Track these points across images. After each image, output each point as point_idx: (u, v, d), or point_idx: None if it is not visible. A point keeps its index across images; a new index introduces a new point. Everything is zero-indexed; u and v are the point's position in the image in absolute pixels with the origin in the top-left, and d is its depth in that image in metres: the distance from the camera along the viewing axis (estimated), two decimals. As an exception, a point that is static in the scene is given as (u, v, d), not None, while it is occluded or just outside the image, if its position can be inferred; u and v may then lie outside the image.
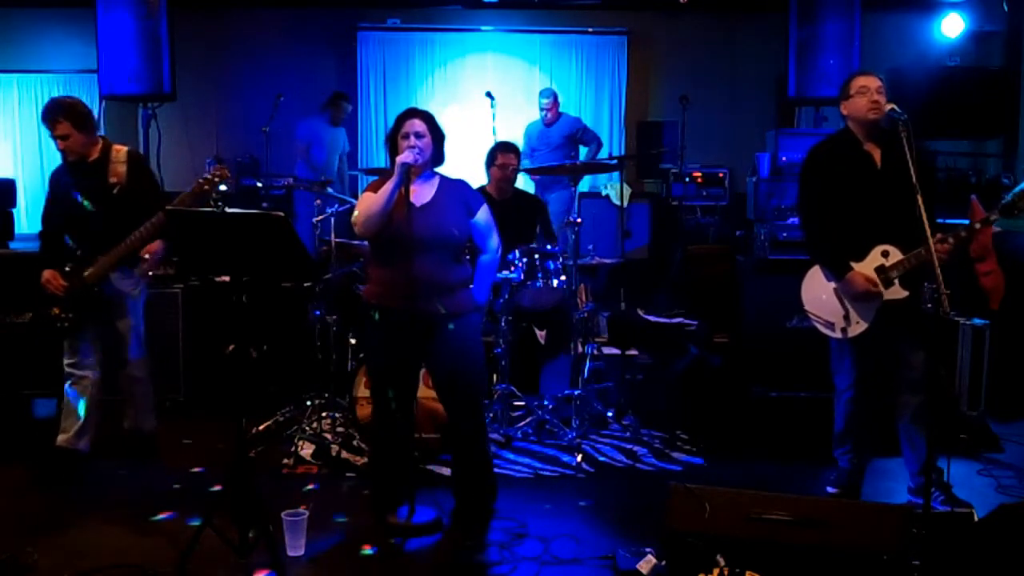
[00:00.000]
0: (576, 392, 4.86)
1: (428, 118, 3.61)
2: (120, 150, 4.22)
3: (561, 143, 7.57)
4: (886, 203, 3.63)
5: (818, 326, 3.83)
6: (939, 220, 3.67)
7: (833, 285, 3.76)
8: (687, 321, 6.45)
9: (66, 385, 4.24)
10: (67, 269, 4.16)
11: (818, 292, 3.82)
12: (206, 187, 3.93)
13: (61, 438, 4.20)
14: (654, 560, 3.21)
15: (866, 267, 3.69)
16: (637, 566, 3.22)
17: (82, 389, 4.22)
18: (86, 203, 4.13)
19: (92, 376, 4.23)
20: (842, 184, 3.72)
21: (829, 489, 4.02)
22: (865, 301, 3.67)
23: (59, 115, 4.04)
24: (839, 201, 3.72)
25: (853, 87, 3.73)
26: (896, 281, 3.63)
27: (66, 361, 4.23)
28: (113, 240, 4.10)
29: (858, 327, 3.70)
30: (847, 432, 3.95)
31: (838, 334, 3.76)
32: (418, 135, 3.54)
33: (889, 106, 3.59)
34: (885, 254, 3.65)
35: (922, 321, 3.68)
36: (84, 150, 4.14)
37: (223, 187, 3.92)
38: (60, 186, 4.22)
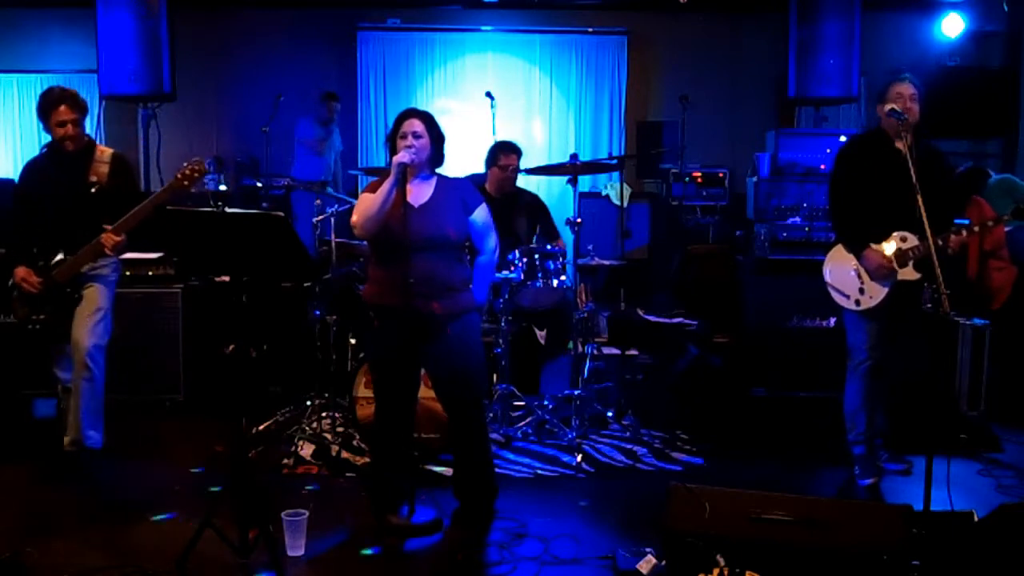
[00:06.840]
0: (576, 392, 4.86)
1: (427, 118, 3.61)
2: (104, 151, 4.17)
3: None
4: (911, 196, 3.71)
5: (835, 295, 4.20)
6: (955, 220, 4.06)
7: (854, 262, 4.11)
8: (687, 321, 6.45)
9: (59, 389, 4.19)
10: (40, 265, 4.06)
11: (839, 266, 4.19)
12: (185, 183, 3.83)
13: (68, 439, 4.17)
14: (654, 560, 3.21)
15: (884, 248, 4.06)
16: (637, 566, 3.22)
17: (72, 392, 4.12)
18: (61, 198, 4.01)
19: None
20: (871, 175, 4.07)
21: (863, 482, 4.17)
22: (880, 278, 4.04)
23: (69, 101, 4.00)
24: (867, 190, 4.07)
25: (890, 93, 4.04)
26: (911, 263, 4.01)
27: (55, 369, 4.17)
28: (83, 239, 3.99)
29: (870, 301, 4.08)
30: (861, 407, 4.16)
31: (852, 305, 4.13)
32: (416, 135, 3.54)
33: (889, 106, 3.90)
34: (903, 239, 4.04)
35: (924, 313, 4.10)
36: (80, 141, 4.09)
37: (204, 181, 3.85)
38: (36, 178, 4.13)
